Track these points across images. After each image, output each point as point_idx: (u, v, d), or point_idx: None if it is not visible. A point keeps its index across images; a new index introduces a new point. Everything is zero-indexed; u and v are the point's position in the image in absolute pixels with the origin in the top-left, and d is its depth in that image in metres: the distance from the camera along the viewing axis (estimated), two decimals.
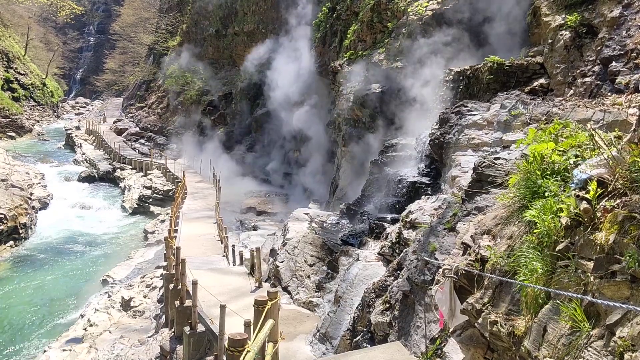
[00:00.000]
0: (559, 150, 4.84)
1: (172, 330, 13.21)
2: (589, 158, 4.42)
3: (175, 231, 19.47)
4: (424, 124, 17.67)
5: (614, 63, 12.04)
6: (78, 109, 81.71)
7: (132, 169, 40.26)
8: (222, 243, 19.09)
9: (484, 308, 4.75)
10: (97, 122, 58.19)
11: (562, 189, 4.42)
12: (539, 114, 12.06)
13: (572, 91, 12.92)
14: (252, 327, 7.27)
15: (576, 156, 4.68)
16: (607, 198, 3.76)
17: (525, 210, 4.63)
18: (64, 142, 54.54)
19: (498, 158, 8.44)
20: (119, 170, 40.30)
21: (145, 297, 18.38)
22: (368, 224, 15.06)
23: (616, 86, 11.67)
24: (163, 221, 28.30)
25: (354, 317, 10.48)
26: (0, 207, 25.48)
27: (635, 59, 11.55)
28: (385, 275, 10.38)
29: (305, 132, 32.12)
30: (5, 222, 25.10)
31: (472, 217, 7.65)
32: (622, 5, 12.58)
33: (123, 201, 33.74)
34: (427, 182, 14.61)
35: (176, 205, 23.40)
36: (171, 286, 13.95)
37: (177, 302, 12.67)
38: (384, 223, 14.27)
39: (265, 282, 14.96)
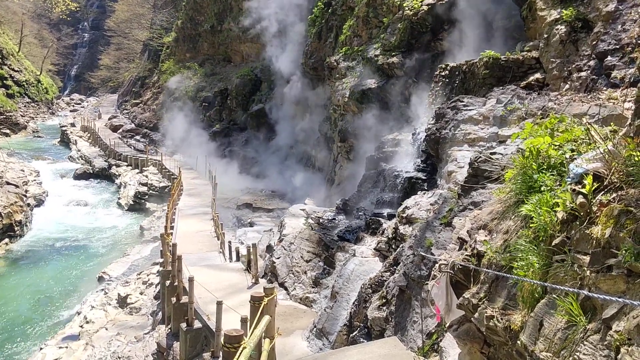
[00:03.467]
0: (555, 145, 4.83)
1: (169, 326, 13.18)
2: (584, 152, 4.41)
3: (172, 228, 19.40)
4: (420, 119, 17.66)
5: (609, 57, 12.05)
6: (73, 106, 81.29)
7: (127, 165, 40.06)
8: (218, 239, 19.06)
9: (480, 303, 4.75)
10: (92, 118, 57.90)
11: (558, 183, 4.41)
12: (535, 109, 12.07)
13: (567, 86, 12.93)
14: (248, 323, 7.25)
15: (572, 150, 4.67)
16: (603, 192, 3.75)
17: (521, 205, 4.62)
18: (59, 139, 54.26)
19: (494, 153, 8.44)
20: (114, 167, 40.12)
21: (141, 293, 18.34)
22: (364, 219, 15.07)
23: (612, 80, 11.68)
24: (159, 218, 28.22)
25: (350, 313, 10.49)
26: None
27: (630, 53, 11.56)
28: (382, 271, 10.39)
29: (302, 127, 32.06)
30: (0, 219, 25.00)
31: (468, 212, 7.65)
32: (617, 0, 12.58)
33: (119, 198, 33.62)
34: (423, 177, 14.62)
35: (172, 202, 23.35)
36: (167, 283, 13.91)
37: (174, 299, 12.64)
38: (380, 219, 14.29)
39: (262, 278, 14.96)
